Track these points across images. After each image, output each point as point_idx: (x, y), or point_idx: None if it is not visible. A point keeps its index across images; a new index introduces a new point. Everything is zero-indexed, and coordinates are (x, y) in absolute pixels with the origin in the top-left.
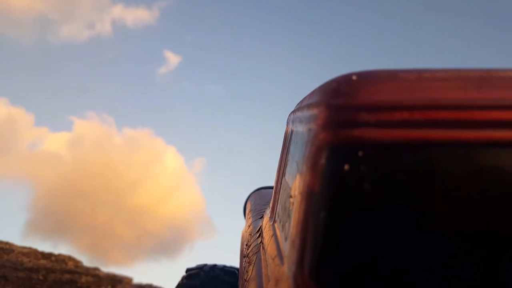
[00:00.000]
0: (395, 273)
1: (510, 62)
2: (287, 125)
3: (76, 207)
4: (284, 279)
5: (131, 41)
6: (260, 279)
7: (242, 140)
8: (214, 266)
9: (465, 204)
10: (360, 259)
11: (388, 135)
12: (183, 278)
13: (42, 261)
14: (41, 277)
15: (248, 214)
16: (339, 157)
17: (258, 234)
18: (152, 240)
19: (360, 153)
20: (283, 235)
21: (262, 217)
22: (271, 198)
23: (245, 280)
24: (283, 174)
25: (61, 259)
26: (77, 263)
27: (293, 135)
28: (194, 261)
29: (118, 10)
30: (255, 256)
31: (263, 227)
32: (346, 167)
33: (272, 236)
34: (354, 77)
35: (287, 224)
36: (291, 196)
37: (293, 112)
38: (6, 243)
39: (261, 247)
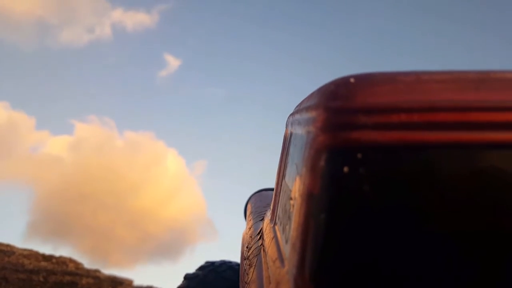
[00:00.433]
0: (396, 276)
1: (508, 63)
2: (286, 128)
3: (77, 209)
4: (285, 281)
5: (131, 45)
6: (261, 282)
7: (242, 142)
8: (223, 263)
9: (464, 206)
10: (360, 262)
11: (387, 137)
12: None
13: (43, 263)
14: (41, 279)
15: (248, 216)
16: (338, 159)
17: (258, 237)
18: (153, 242)
19: (359, 156)
20: (284, 237)
21: (262, 219)
22: (271, 200)
23: (245, 282)
24: (283, 176)
25: (62, 261)
26: (78, 265)
27: (292, 137)
28: (195, 264)
29: (117, 14)
30: (255, 259)
31: (264, 229)
32: (346, 169)
33: (272, 239)
34: (352, 80)
35: (287, 227)
36: (291, 198)
37: (292, 114)
38: (7, 245)
39: (262, 250)
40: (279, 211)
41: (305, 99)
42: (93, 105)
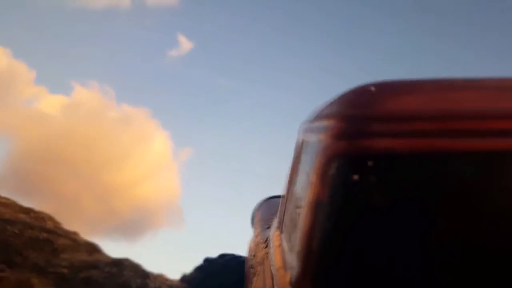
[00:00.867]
0: (403, 285)
1: None
2: (298, 135)
3: (50, 171)
4: None
5: (148, 18)
6: None
7: (234, 140)
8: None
9: (477, 214)
10: (366, 271)
11: (399, 145)
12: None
13: (21, 215)
14: (16, 231)
15: (256, 224)
16: (348, 167)
17: (265, 245)
18: (116, 218)
19: (370, 163)
20: (289, 246)
21: (269, 228)
22: (279, 208)
23: None
24: (293, 184)
25: (41, 217)
26: (56, 224)
27: (304, 145)
28: (154, 248)
29: None
30: (260, 267)
31: (270, 238)
32: (355, 177)
33: (278, 247)
34: (372, 88)
35: (293, 235)
36: (298, 207)
37: (307, 122)
38: None
39: (267, 258)
40: (286, 219)
41: (322, 107)
42: (97, 71)
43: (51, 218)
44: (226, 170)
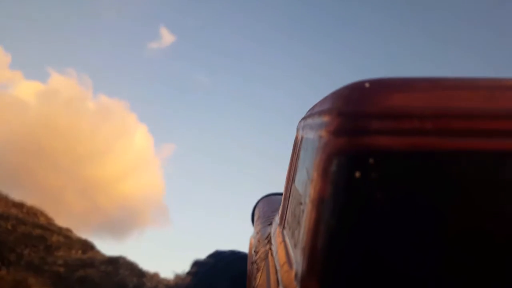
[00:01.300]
0: (406, 281)
1: None
2: (297, 132)
3: (29, 162)
4: (293, 286)
5: (130, 7)
6: (269, 286)
7: (216, 137)
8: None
9: (477, 212)
10: (370, 267)
11: (400, 142)
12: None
13: (13, 210)
14: (9, 227)
15: (256, 220)
16: (350, 164)
17: (266, 241)
18: (100, 215)
19: (371, 161)
20: (293, 242)
21: (270, 224)
22: (279, 205)
23: (253, 286)
24: (293, 180)
25: (33, 212)
26: (49, 219)
27: (303, 141)
28: (141, 246)
29: None
30: (263, 263)
31: (272, 234)
32: (357, 174)
33: (281, 243)
34: (367, 85)
35: (296, 231)
36: (301, 203)
37: (304, 118)
38: None
39: (270, 254)
40: (288, 215)
41: (318, 103)
42: (75, 59)
43: (43, 214)
44: (208, 166)
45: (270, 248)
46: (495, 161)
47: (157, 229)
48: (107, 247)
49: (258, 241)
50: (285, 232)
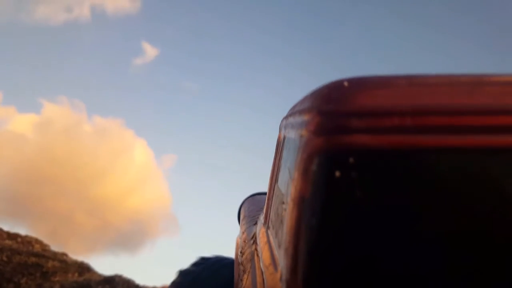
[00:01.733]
0: (389, 280)
1: (502, 66)
2: (279, 131)
3: (36, 192)
4: (279, 287)
5: (109, 29)
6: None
7: (215, 141)
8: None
9: (458, 211)
10: (353, 266)
11: (380, 141)
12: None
13: (7, 241)
14: (5, 258)
15: (242, 220)
16: (330, 163)
17: (252, 241)
18: (112, 232)
19: (351, 160)
20: (276, 241)
21: (256, 224)
22: (264, 205)
23: None
24: (276, 180)
25: (28, 241)
26: (44, 246)
27: (285, 141)
28: (155, 258)
29: None
30: (249, 264)
31: (257, 234)
32: (337, 173)
33: (266, 243)
34: (345, 83)
35: (280, 231)
36: (283, 203)
37: (285, 117)
38: None
39: (255, 254)
40: (272, 215)
41: (299, 102)
42: (65, 86)
43: (38, 241)
44: (211, 171)
45: (256, 249)
46: (476, 158)
47: (168, 238)
48: (122, 261)
49: (244, 241)
50: (269, 232)
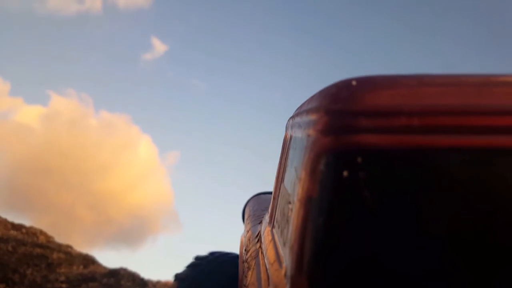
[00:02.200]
0: (394, 279)
1: (506, 68)
2: (286, 131)
3: (39, 184)
4: (283, 284)
5: (120, 22)
6: (259, 284)
7: (220, 139)
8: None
9: (465, 210)
10: (358, 265)
11: (388, 141)
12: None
13: (12, 232)
14: (10, 249)
15: (247, 219)
16: (338, 163)
17: (256, 239)
18: (114, 227)
19: (359, 159)
20: (282, 240)
21: (260, 223)
22: (269, 204)
23: (244, 285)
24: (282, 180)
25: (32, 232)
26: (49, 238)
27: (292, 140)
28: (156, 253)
29: None
30: (254, 261)
31: (262, 233)
32: (345, 173)
33: (271, 241)
34: (354, 83)
35: (285, 230)
36: (289, 202)
37: (292, 117)
38: None
39: (260, 252)
40: (278, 214)
41: (306, 101)
42: (73, 79)
43: (42, 233)
44: (214, 170)
45: (260, 247)
46: (484, 158)
47: (170, 235)
48: (123, 256)
49: (249, 239)
50: (274, 230)
